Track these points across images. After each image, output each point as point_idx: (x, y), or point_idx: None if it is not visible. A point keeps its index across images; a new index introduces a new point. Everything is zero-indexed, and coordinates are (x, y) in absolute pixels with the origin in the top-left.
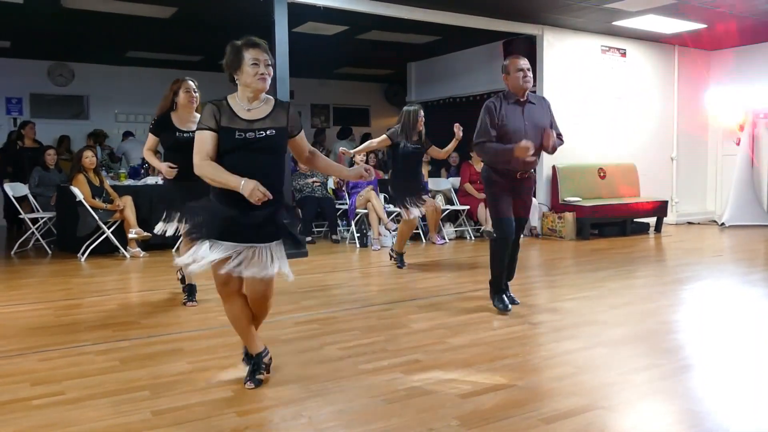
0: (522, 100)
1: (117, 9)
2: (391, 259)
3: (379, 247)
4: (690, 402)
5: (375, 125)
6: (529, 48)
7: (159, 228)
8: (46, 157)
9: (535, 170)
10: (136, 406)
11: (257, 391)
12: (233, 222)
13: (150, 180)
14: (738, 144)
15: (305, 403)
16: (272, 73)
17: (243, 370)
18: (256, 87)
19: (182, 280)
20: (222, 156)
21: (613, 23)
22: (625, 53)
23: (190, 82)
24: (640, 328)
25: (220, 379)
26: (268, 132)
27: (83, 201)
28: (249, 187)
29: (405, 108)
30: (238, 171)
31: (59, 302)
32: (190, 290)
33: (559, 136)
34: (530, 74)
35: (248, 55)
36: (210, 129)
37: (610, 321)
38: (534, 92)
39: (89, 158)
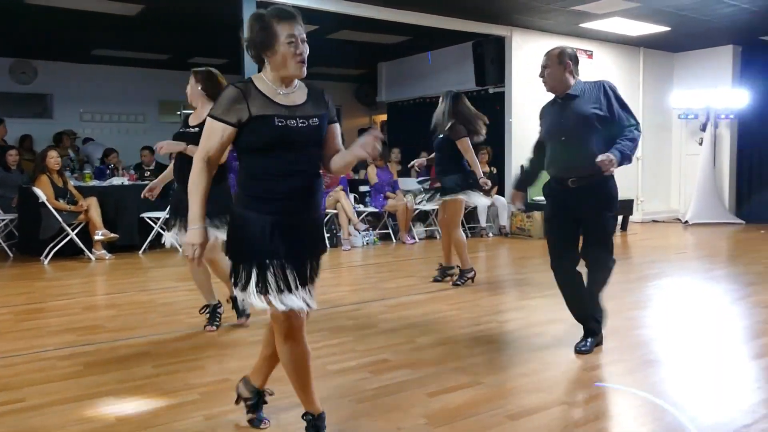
0: (559, 98)
1: (82, 6)
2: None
3: (349, 248)
4: (654, 396)
5: (346, 125)
6: (498, 49)
7: (168, 239)
8: (7, 157)
9: (599, 178)
10: (100, 412)
11: (225, 393)
12: (291, 246)
13: (116, 180)
14: (701, 144)
15: (272, 404)
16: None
17: (211, 374)
18: (296, 73)
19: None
20: (256, 153)
21: (580, 25)
22: (591, 55)
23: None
24: (607, 325)
25: (187, 382)
26: (311, 120)
27: (46, 202)
28: (191, 238)
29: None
30: (275, 170)
31: (21, 306)
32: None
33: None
34: (546, 72)
35: (283, 31)
36: (225, 122)
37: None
38: (584, 83)
39: (54, 158)
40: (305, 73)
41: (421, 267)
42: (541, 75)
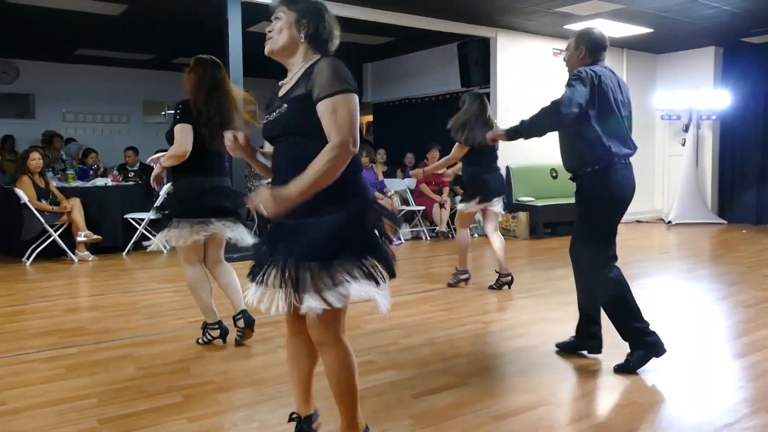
0: None
1: (64, 5)
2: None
3: None
4: (635, 395)
5: None
6: (483, 50)
7: (156, 242)
8: None
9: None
10: (82, 415)
11: (209, 395)
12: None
13: (99, 181)
14: (683, 145)
15: (257, 407)
16: (280, 31)
17: (194, 376)
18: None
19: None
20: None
21: (564, 27)
22: None
23: None
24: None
25: (171, 384)
26: (280, 109)
27: (28, 203)
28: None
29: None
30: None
31: (2, 309)
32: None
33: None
34: (565, 54)
35: None
36: None
37: (560, 318)
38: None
39: (36, 160)
40: (268, 51)
41: (406, 268)
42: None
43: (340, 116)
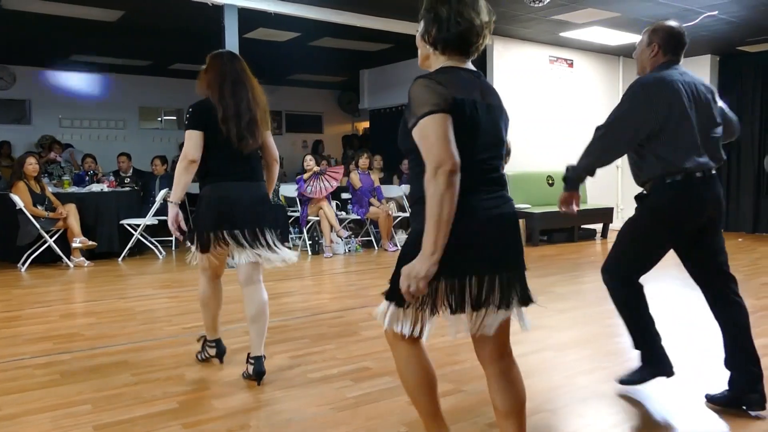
0: None
1: (61, 11)
2: None
3: (331, 255)
4: (632, 403)
5: (328, 132)
6: (480, 57)
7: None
8: None
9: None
10: (77, 421)
11: (204, 402)
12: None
13: (95, 187)
14: None
15: (253, 413)
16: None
17: (189, 382)
18: None
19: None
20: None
21: (561, 34)
22: (572, 63)
23: None
24: (586, 332)
25: (166, 390)
26: None
27: (24, 209)
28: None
29: None
30: None
31: None
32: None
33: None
34: (636, 50)
35: None
36: None
37: (557, 325)
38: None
39: (32, 165)
40: None
41: None
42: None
43: (429, 142)
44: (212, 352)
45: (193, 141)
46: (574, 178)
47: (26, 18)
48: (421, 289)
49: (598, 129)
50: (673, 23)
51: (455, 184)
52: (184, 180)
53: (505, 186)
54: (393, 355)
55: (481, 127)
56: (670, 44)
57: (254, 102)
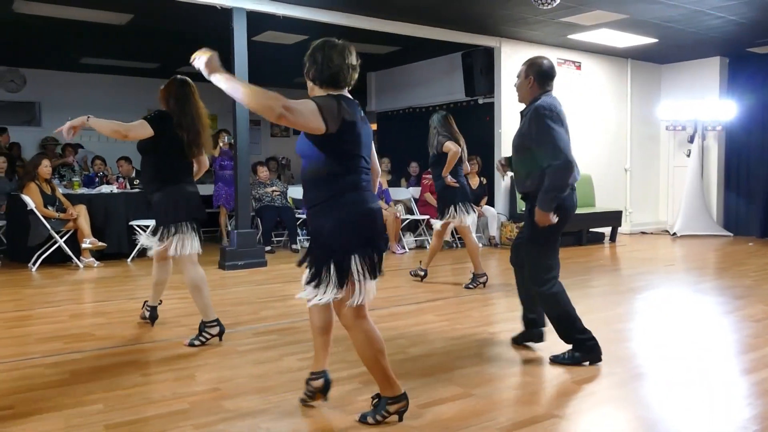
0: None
1: (71, 15)
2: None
3: None
4: (642, 409)
5: None
6: (488, 59)
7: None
8: None
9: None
10: (88, 420)
11: (214, 403)
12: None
13: (105, 188)
14: (688, 156)
15: (263, 414)
16: None
17: (200, 383)
18: None
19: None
20: None
21: (569, 36)
22: (580, 66)
23: None
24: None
25: (176, 391)
26: None
27: (35, 210)
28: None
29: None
30: None
31: (8, 314)
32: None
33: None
34: (517, 81)
35: None
36: None
37: None
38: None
39: (47, 167)
40: None
41: (411, 277)
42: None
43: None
44: (214, 331)
45: (142, 129)
46: (549, 202)
47: (37, 21)
48: None
49: (551, 167)
50: (544, 60)
51: None
52: (107, 126)
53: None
54: (352, 335)
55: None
56: (542, 78)
57: (197, 120)
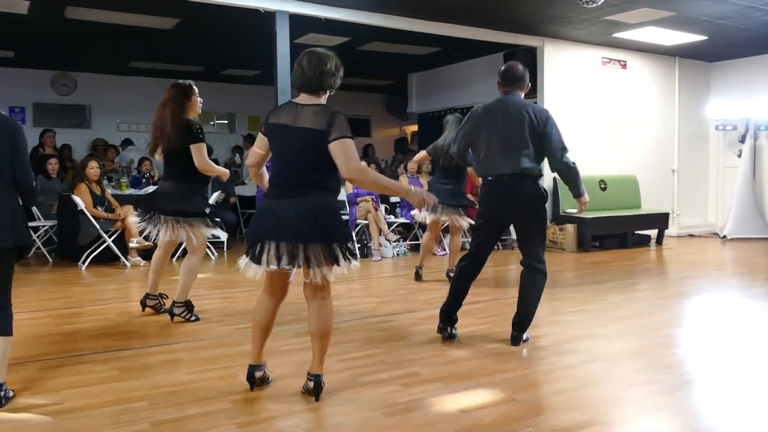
0: None
1: (120, 20)
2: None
3: (379, 258)
4: (691, 418)
5: (376, 136)
6: (530, 59)
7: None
8: (47, 165)
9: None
10: (134, 417)
11: (256, 402)
12: None
13: (151, 189)
14: (739, 156)
15: (303, 415)
16: None
17: (243, 382)
18: None
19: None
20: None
21: (614, 35)
22: (625, 65)
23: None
24: (641, 342)
25: (220, 390)
26: None
27: (85, 210)
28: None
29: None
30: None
31: (59, 311)
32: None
33: None
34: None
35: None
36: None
37: (610, 335)
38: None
39: (93, 169)
40: None
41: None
42: None
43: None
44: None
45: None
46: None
47: (87, 27)
48: None
49: (569, 162)
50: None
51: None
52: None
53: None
54: (327, 304)
55: (277, 145)
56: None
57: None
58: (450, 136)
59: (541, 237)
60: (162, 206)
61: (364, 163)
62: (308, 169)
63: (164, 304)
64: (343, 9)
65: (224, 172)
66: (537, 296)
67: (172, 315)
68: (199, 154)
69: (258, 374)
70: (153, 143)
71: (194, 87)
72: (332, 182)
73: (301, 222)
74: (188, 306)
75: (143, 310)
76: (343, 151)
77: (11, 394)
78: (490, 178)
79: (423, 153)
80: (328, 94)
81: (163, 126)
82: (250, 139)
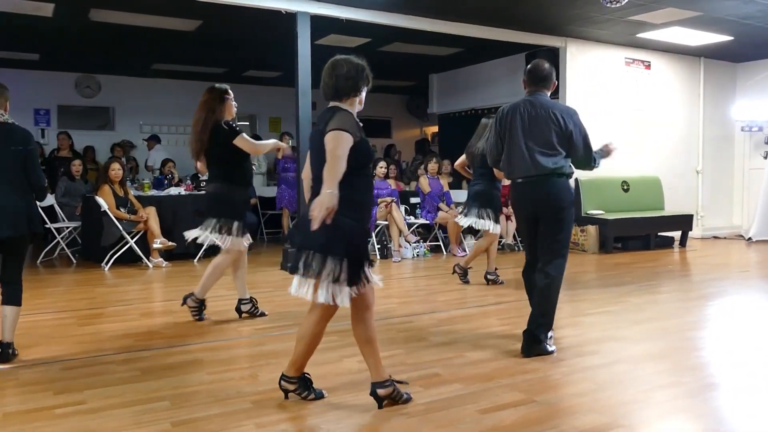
0: None
1: (143, 22)
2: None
3: (399, 259)
4: (715, 422)
5: (397, 137)
6: (552, 60)
7: (192, 234)
8: (71, 167)
9: None
10: (156, 417)
11: (276, 403)
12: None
13: (173, 191)
14: (765, 158)
15: (324, 415)
16: None
17: (263, 383)
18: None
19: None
20: (360, 169)
21: (638, 35)
22: (649, 65)
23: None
24: (664, 345)
25: (240, 390)
26: None
27: (108, 211)
28: (333, 200)
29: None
30: (367, 184)
31: (83, 311)
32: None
33: None
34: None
35: (366, 87)
36: (353, 137)
37: (632, 337)
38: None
39: (115, 171)
40: None
41: (471, 280)
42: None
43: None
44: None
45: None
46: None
47: (111, 29)
48: None
49: (593, 165)
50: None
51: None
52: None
53: None
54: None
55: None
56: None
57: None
58: (482, 142)
59: (559, 240)
60: (206, 209)
61: (340, 154)
62: (318, 168)
63: (258, 308)
64: (363, 10)
65: (273, 144)
66: (547, 301)
67: (240, 312)
68: (244, 144)
69: (383, 392)
70: (190, 146)
71: (229, 91)
72: (344, 190)
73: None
74: (200, 305)
75: (240, 317)
76: (329, 142)
77: (17, 353)
78: (519, 180)
79: (462, 159)
80: (354, 97)
81: (195, 130)
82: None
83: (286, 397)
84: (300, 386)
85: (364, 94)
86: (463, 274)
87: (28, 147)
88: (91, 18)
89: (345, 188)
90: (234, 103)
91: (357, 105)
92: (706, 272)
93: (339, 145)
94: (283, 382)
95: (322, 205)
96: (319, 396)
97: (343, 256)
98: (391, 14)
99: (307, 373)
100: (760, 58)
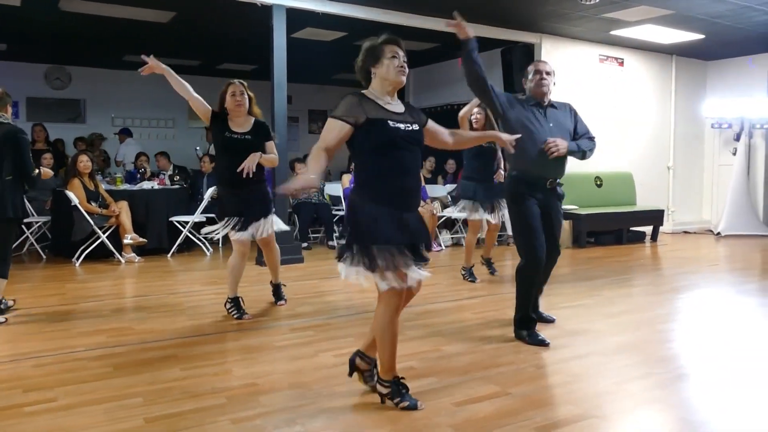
0: (543, 103)
1: (115, 13)
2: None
3: None
4: (685, 411)
5: None
6: (527, 56)
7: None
8: (42, 160)
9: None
10: (129, 413)
11: (251, 398)
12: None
13: (146, 185)
14: (734, 154)
15: (299, 410)
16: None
17: (237, 378)
18: (396, 79)
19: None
20: (378, 148)
21: (611, 32)
22: (622, 62)
23: (238, 84)
24: (636, 337)
25: (214, 385)
26: (413, 126)
27: (78, 205)
28: (306, 181)
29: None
30: (389, 167)
31: (53, 308)
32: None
33: (590, 138)
34: (548, 78)
35: (387, 49)
36: (346, 122)
37: (605, 330)
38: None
39: (84, 163)
40: (404, 80)
41: (447, 275)
42: (546, 81)
43: None
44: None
45: (202, 107)
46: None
47: (82, 19)
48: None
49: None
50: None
51: None
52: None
53: None
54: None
55: None
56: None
57: None
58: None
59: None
60: (263, 210)
61: (319, 145)
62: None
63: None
64: (340, 3)
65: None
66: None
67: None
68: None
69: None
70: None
71: (228, 86)
72: (360, 174)
73: None
74: (235, 303)
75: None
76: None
77: (10, 303)
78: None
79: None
80: (374, 78)
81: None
82: None
83: (383, 402)
84: (392, 391)
85: (382, 67)
86: (469, 274)
87: (17, 142)
88: (61, 8)
89: (360, 173)
90: (233, 96)
91: (382, 81)
92: (676, 266)
93: (324, 130)
94: (378, 386)
95: (295, 183)
96: (413, 406)
97: (353, 241)
98: (367, 8)
99: (402, 377)
100: (730, 56)
